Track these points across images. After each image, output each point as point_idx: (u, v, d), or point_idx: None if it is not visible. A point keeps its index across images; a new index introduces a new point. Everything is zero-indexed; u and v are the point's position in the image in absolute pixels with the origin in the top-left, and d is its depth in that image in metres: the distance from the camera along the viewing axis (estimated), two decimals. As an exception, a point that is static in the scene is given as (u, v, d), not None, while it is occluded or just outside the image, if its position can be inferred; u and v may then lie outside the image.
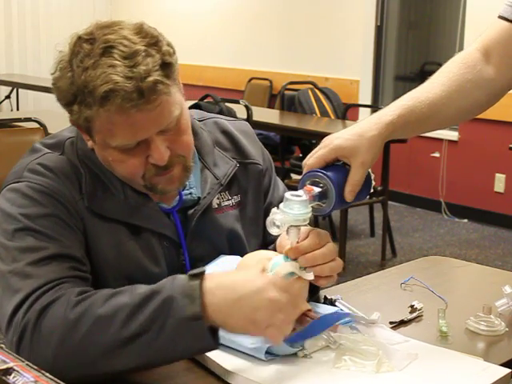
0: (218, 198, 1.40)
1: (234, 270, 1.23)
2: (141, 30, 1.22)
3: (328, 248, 1.19)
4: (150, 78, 1.16)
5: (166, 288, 1.09)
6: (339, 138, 1.25)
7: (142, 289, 1.11)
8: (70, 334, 1.08)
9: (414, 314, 1.42)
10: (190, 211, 1.36)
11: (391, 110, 1.30)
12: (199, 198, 1.38)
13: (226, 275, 1.13)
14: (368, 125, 1.27)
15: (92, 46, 1.18)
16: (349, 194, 1.22)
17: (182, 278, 1.10)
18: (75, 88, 1.18)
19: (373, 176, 1.27)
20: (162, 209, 1.34)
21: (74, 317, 1.08)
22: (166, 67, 1.20)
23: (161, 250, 1.33)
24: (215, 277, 1.11)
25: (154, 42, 1.21)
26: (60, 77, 1.21)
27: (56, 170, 1.28)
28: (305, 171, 1.23)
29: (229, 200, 1.42)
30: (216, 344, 1.09)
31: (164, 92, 1.19)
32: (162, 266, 1.33)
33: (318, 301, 1.40)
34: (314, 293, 1.34)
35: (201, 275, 1.09)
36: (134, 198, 1.30)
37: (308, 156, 1.25)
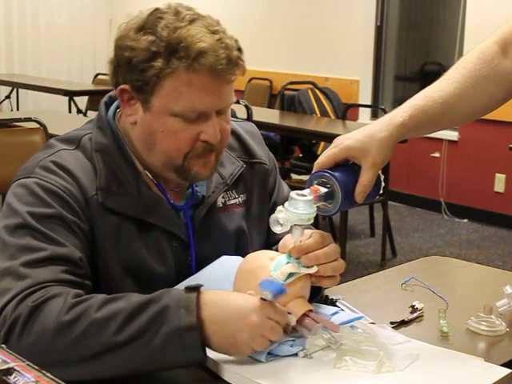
0: (223, 197, 1.41)
1: (228, 289, 1.23)
2: (214, 19, 1.31)
3: (331, 248, 1.20)
4: (236, 53, 1.26)
5: (162, 298, 1.11)
6: (350, 138, 1.25)
7: (139, 297, 1.12)
8: (63, 333, 1.08)
9: (415, 315, 1.42)
10: (196, 210, 1.38)
11: (403, 111, 1.29)
12: (204, 196, 1.39)
13: (220, 293, 1.14)
14: (379, 126, 1.27)
15: (177, 16, 1.25)
16: (359, 195, 1.22)
17: (178, 291, 1.12)
18: (163, 44, 1.22)
19: (382, 177, 1.27)
20: (174, 205, 1.36)
21: (70, 318, 1.09)
22: (240, 52, 1.29)
23: (169, 250, 1.33)
24: (210, 293, 1.12)
25: (226, 31, 1.30)
26: (134, 39, 1.25)
27: (69, 167, 1.28)
28: (314, 170, 1.23)
29: (235, 198, 1.43)
30: (205, 358, 1.10)
31: (241, 70, 1.28)
32: (169, 265, 1.33)
33: (321, 301, 1.41)
34: (316, 294, 1.34)
35: (197, 289, 1.11)
36: (148, 195, 1.31)
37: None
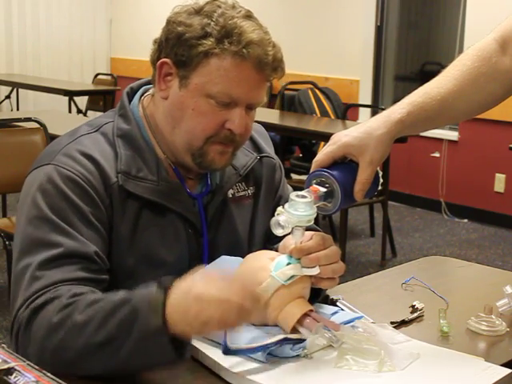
0: (232, 189, 1.44)
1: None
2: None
3: (331, 250, 1.21)
4: (280, 55, 1.32)
5: (135, 297, 1.09)
6: (348, 135, 1.25)
7: (115, 296, 1.12)
8: (50, 336, 1.11)
9: (415, 314, 1.42)
10: (209, 199, 1.40)
11: (401, 108, 1.29)
12: (216, 185, 1.41)
13: (185, 283, 1.09)
14: (377, 123, 1.27)
15: (234, 9, 1.31)
16: (358, 193, 1.22)
17: (147, 291, 1.09)
18: (217, 28, 1.27)
19: (380, 174, 1.27)
20: (189, 193, 1.38)
21: (57, 321, 1.11)
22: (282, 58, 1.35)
23: (185, 237, 1.35)
24: (177, 287, 1.08)
25: None
26: (190, 18, 1.29)
27: (91, 153, 1.29)
28: (313, 168, 1.24)
29: (244, 191, 1.46)
30: (179, 357, 1.08)
31: (281, 74, 1.34)
32: (183, 252, 1.35)
33: (322, 301, 1.41)
34: (317, 296, 1.35)
35: (167, 287, 1.08)
36: (167, 180, 1.33)
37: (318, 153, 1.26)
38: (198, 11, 1.30)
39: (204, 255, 1.38)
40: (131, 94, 1.42)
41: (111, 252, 1.28)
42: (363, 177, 1.22)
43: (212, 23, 1.27)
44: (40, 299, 1.14)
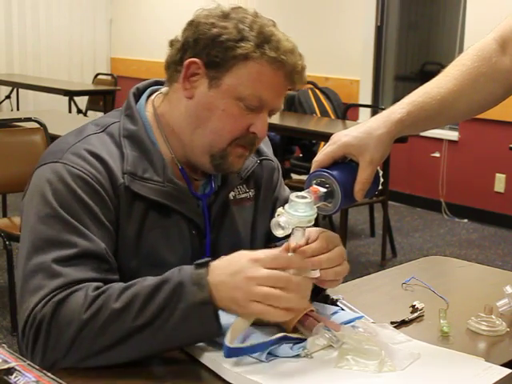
0: (233, 191, 1.45)
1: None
2: None
3: (335, 252, 1.21)
4: (305, 66, 1.33)
5: (174, 276, 1.14)
6: (348, 135, 1.25)
7: (152, 280, 1.15)
8: (86, 329, 1.12)
9: (415, 314, 1.42)
10: (211, 201, 1.41)
11: (400, 108, 1.29)
12: (218, 187, 1.42)
13: (226, 259, 1.17)
14: (377, 123, 1.27)
15: (262, 19, 1.32)
16: (358, 192, 1.22)
17: (188, 268, 1.15)
18: (254, 34, 1.28)
19: (381, 173, 1.27)
20: (195, 194, 1.39)
21: (91, 313, 1.13)
22: None
23: (188, 238, 1.36)
24: (217, 263, 1.16)
25: None
26: (224, 21, 1.30)
27: (99, 153, 1.29)
28: (313, 168, 1.24)
29: (245, 193, 1.47)
30: (220, 329, 1.13)
31: (303, 82, 1.34)
32: (186, 253, 1.35)
33: (322, 301, 1.41)
34: (317, 293, 1.35)
35: (206, 264, 1.15)
36: (172, 181, 1.34)
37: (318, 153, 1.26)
38: (226, 16, 1.30)
39: (206, 255, 1.38)
40: (137, 95, 1.42)
41: (117, 253, 1.28)
42: (363, 176, 1.22)
43: (247, 28, 1.28)
44: (61, 294, 1.15)
